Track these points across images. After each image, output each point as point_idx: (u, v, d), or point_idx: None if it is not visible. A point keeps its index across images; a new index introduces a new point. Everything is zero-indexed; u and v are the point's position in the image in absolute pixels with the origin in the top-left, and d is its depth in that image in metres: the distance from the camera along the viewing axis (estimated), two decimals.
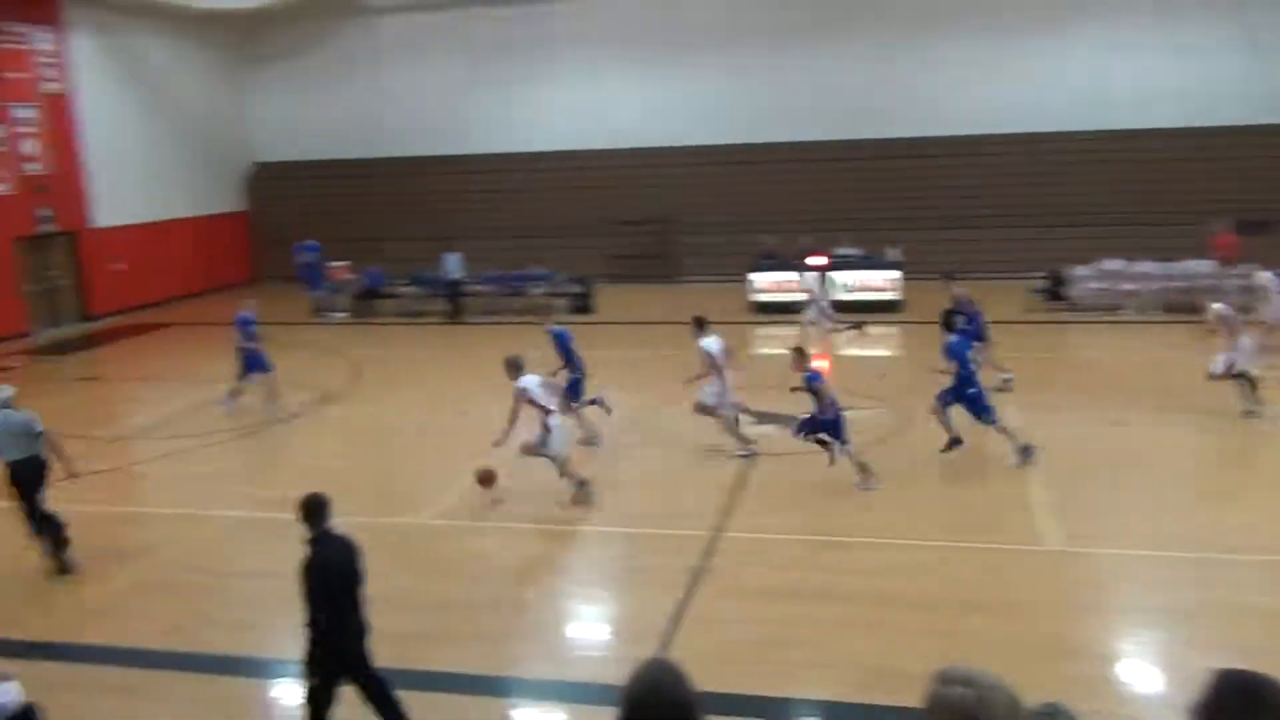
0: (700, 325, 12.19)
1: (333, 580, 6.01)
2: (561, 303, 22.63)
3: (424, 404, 14.94)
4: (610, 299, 23.11)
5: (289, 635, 7.96)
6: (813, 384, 10.67)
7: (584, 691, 6.82)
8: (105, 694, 6.96)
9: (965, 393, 11.18)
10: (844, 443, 10.70)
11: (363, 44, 27.64)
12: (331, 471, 11.81)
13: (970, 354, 11.38)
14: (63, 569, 9.05)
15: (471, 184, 27.14)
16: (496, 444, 10.32)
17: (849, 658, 7.17)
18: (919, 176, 24.86)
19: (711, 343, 12.00)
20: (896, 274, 21.20)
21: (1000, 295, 19.01)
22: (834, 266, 20.97)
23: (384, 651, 7.40)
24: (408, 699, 6.80)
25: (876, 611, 7.83)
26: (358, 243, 25.39)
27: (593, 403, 12.75)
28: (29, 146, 22.02)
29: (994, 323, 14.72)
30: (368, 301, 23.06)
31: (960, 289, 14.41)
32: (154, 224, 25.23)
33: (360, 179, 27.82)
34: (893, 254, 21.58)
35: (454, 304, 22.26)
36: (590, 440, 12.37)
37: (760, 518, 9.88)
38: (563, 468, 10.47)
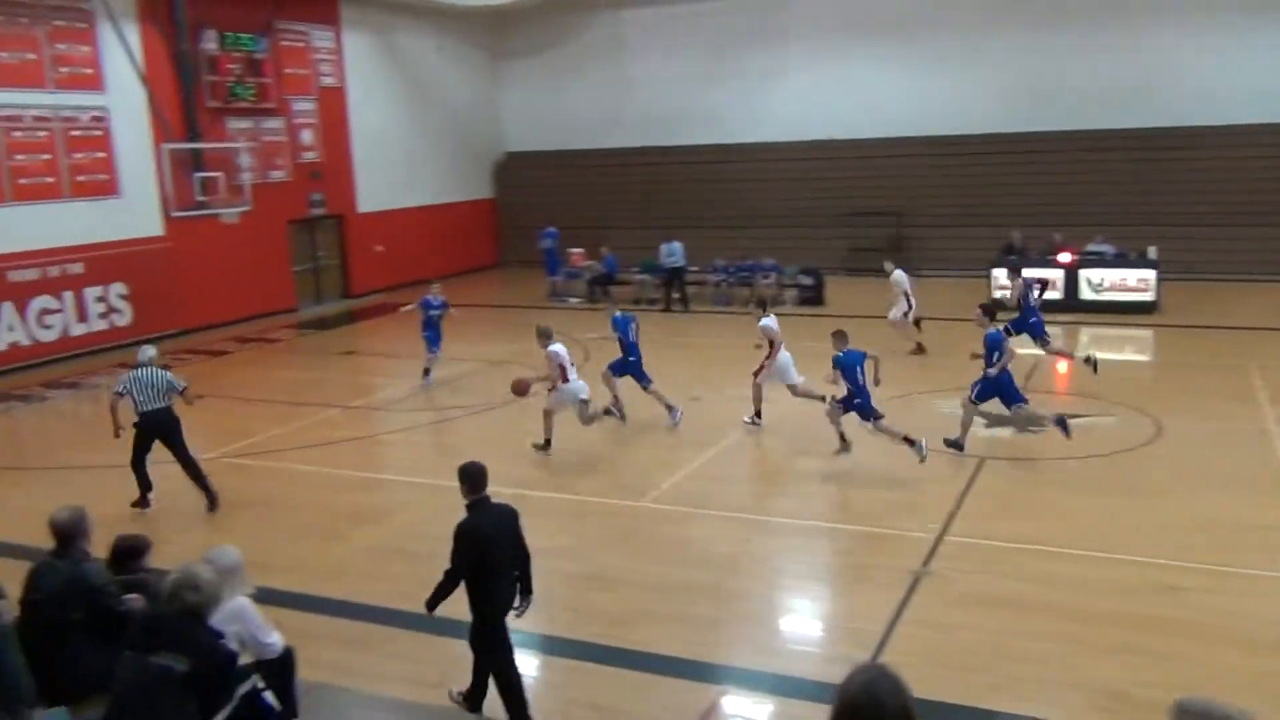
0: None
1: (481, 546, 6.17)
2: (791, 294, 22.47)
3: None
4: (842, 292, 22.73)
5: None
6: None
7: (795, 686, 6.74)
8: (341, 646, 7.46)
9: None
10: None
11: (607, 37, 28.37)
12: (561, 450, 12.25)
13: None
14: (212, 503, 10.59)
15: (706, 174, 27.34)
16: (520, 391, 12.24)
17: (1079, 678, 6.75)
18: (1179, 169, 23.02)
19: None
20: (1152, 274, 19.73)
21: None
22: (1082, 264, 19.80)
23: (595, 629, 7.64)
24: (618, 676, 6.97)
25: (1113, 632, 7.31)
26: (593, 230, 26.12)
27: (606, 411, 12.70)
28: (306, 137, 23.98)
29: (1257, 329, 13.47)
30: (602, 288, 23.66)
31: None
32: (410, 209, 26.90)
33: (598, 168, 28.65)
34: (1152, 252, 20.11)
35: (679, 292, 22.41)
36: (611, 411, 12.64)
37: (990, 523, 9.45)
38: (582, 415, 11.94)
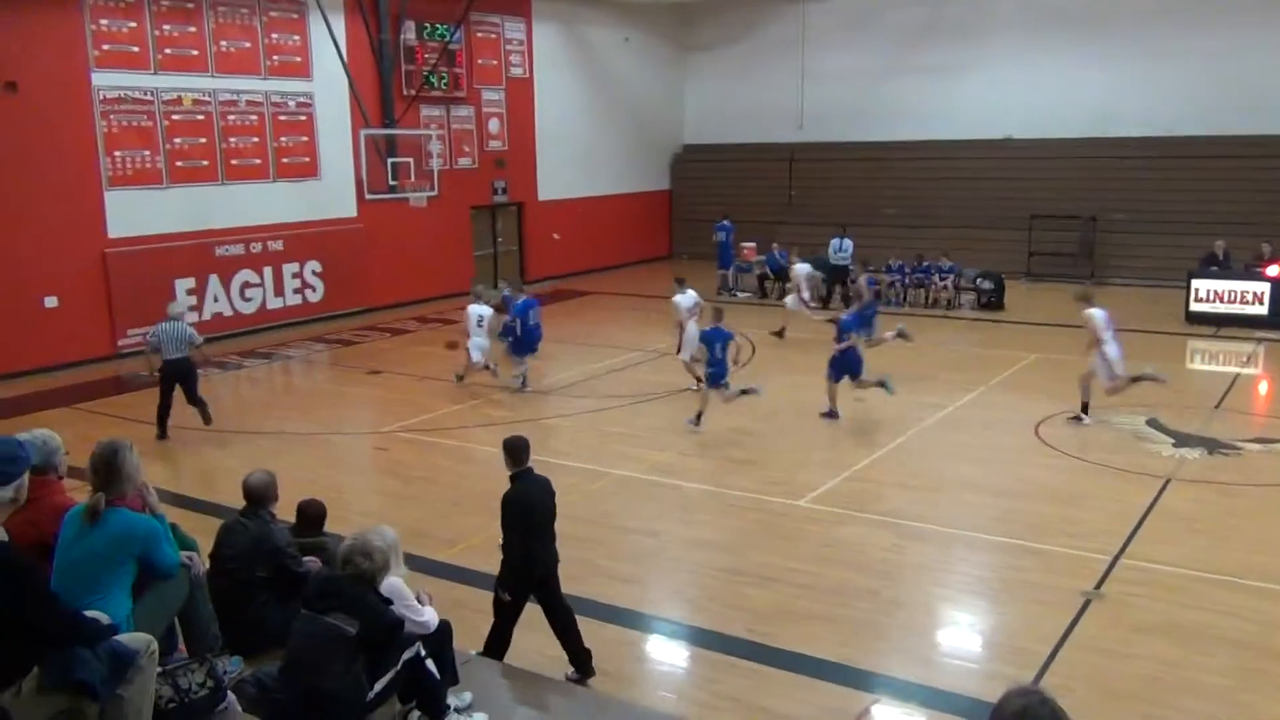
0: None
1: (527, 513, 6.76)
2: (969, 298, 21.80)
3: (814, 387, 15.00)
4: (1023, 297, 21.90)
5: (668, 595, 8.45)
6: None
7: (951, 700, 6.56)
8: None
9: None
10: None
11: (790, 30, 28.09)
12: (719, 444, 12.29)
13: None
14: (207, 419, 12.94)
15: (882, 170, 26.80)
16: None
17: (1252, 716, 6.33)
18: None
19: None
20: None
21: None
22: None
23: (745, 624, 7.63)
24: (766, 674, 6.95)
25: None
26: (767, 225, 25.97)
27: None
28: (493, 125, 24.77)
29: None
30: (772, 283, 23.49)
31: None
32: (588, 199, 27.42)
33: (774, 162, 28.48)
34: None
35: (844, 289, 21.96)
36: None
37: (1172, 548, 8.93)
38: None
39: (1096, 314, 12.58)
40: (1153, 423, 12.62)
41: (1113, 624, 7.58)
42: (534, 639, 7.35)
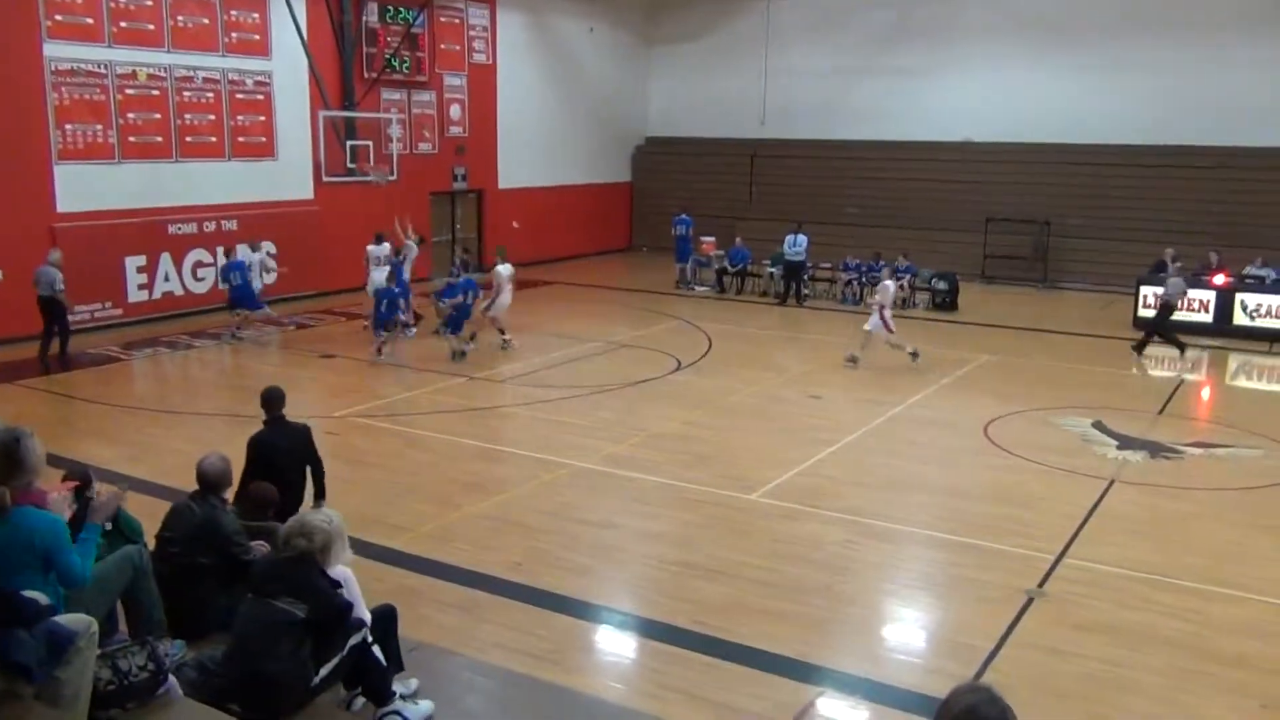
0: None
1: (268, 455, 7.63)
2: (923, 298, 22.03)
3: (770, 383, 15.11)
4: (977, 299, 22.17)
5: (619, 586, 8.46)
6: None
7: (894, 695, 6.63)
8: (449, 609, 7.66)
9: None
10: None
11: (757, 27, 28.19)
12: (676, 438, 12.32)
13: None
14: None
15: (843, 170, 27.03)
16: None
17: (1188, 715, 6.47)
18: None
19: None
20: None
21: None
22: (1238, 288, 18.85)
23: (694, 617, 7.66)
24: (713, 666, 6.97)
25: (1230, 673, 6.97)
26: (727, 220, 26.06)
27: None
28: (455, 111, 24.59)
29: None
30: (730, 277, 23.57)
31: None
32: (548, 188, 27.33)
33: (736, 157, 28.60)
34: None
35: (793, 285, 22.24)
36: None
37: (1113, 548, 9.09)
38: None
39: None
40: (1098, 425, 12.85)
41: (1055, 623, 7.71)
42: (487, 630, 7.33)
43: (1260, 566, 8.79)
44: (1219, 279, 19.22)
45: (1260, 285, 19.27)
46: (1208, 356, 17.50)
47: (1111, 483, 10.83)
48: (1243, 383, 16.84)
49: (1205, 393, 15.95)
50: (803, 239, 22.20)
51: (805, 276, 22.42)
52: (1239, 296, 18.99)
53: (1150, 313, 18.67)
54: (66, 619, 4.55)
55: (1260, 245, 20.73)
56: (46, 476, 5.04)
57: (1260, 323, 18.73)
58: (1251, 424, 13.11)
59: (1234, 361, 17.46)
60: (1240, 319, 18.93)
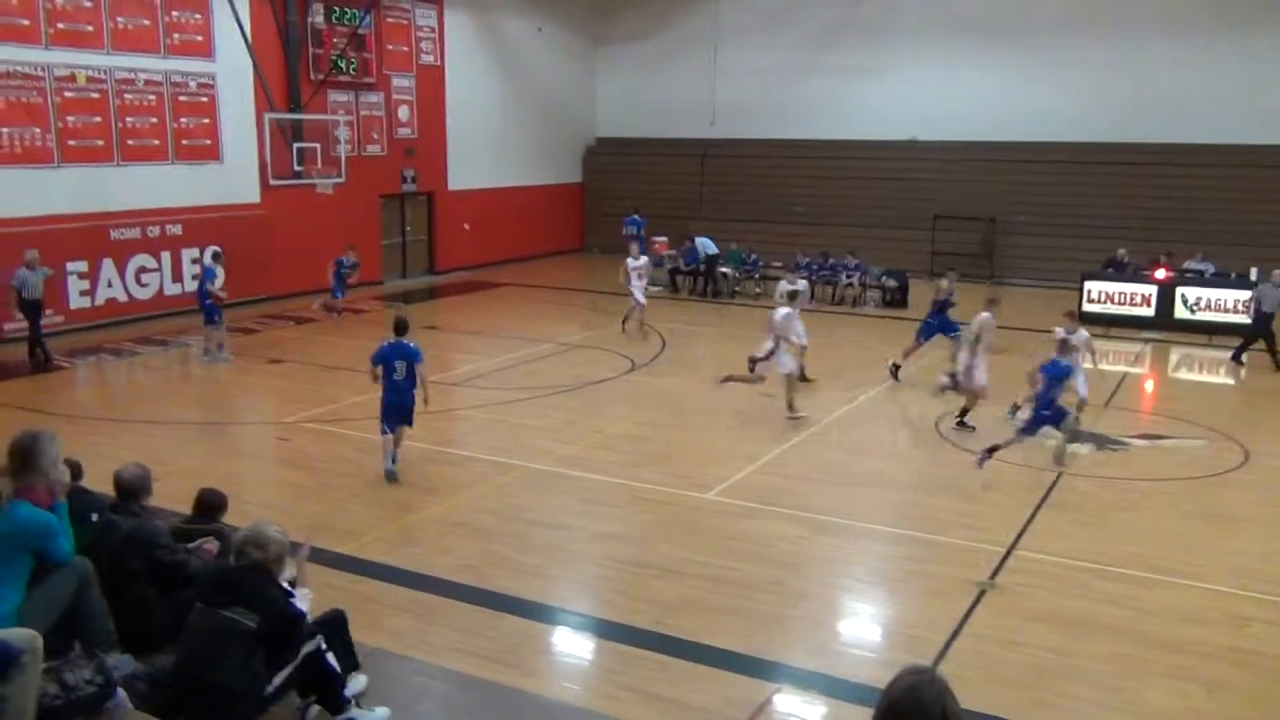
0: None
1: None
2: (874, 295, 22.25)
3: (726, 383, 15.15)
4: (926, 295, 22.39)
5: (574, 587, 8.45)
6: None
7: (849, 689, 6.70)
8: (400, 612, 7.61)
9: None
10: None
11: (705, 26, 28.29)
12: (630, 438, 12.33)
13: None
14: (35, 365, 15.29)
15: (793, 168, 27.23)
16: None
17: (1128, 700, 6.60)
18: None
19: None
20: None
21: None
22: (1179, 282, 19.26)
23: (650, 616, 7.68)
24: (670, 665, 6.99)
25: (1171, 659, 7.13)
26: (679, 220, 26.12)
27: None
28: (403, 113, 24.40)
29: None
30: (684, 277, 23.64)
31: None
32: (499, 190, 27.21)
33: (686, 157, 28.68)
34: (1254, 273, 19.44)
35: (712, 283, 23.09)
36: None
37: (1061, 540, 9.25)
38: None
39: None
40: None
41: (1005, 613, 7.83)
42: (443, 634, 7.29)
43: (1200, 555, 9.00)
44: (1160, 273, 19.63)
45: (1200, 279, 19.70)
46: (1151, 349, 17.86)
47: (1059, 475, 11.02)
48: (1185, 375, 17.22)
49: (1149, 385, 16.28)
50: (706, 240, 23.27)
51: (715, 274, 23.26)
52: (1179, 290, 19.41)
53: (1150, 312, 19.26)
54: (10, 634, 4.46)
55: (1198, 241, 21.18)
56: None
57: (1200, 316, 19.15)
58: (1194, 415, 13.40)
59: (1175, 354, 17.84)
60: (1181, 312, 19.36)
